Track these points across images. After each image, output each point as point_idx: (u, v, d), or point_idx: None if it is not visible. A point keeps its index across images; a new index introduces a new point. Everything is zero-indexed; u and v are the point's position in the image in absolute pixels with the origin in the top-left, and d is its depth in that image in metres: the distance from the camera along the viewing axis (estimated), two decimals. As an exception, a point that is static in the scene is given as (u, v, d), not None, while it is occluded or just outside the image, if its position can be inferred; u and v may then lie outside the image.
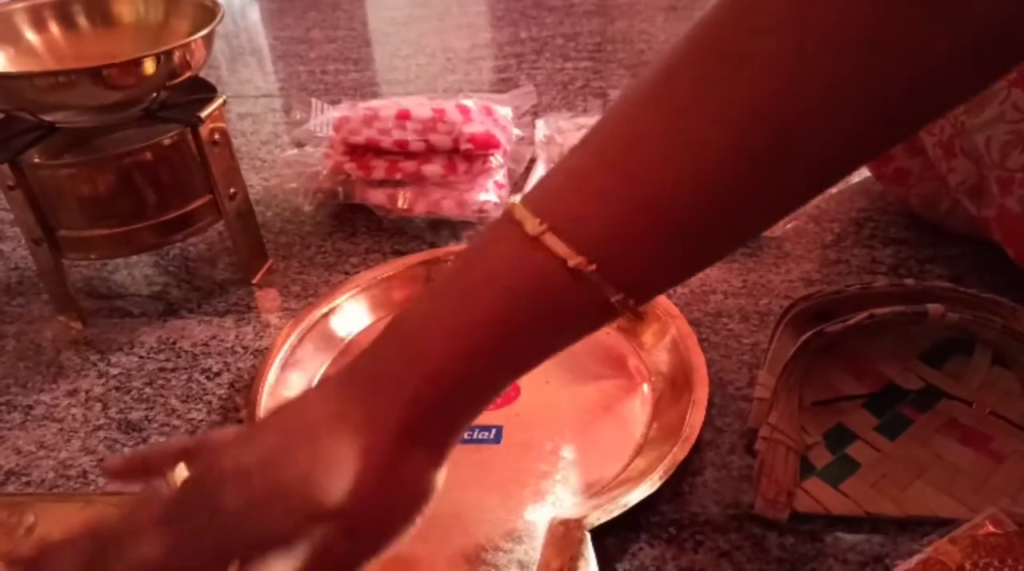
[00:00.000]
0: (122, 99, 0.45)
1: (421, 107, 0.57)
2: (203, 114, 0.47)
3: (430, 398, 0.26)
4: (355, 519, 0.25)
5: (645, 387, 0.43)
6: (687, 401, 0.40)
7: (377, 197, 0.58)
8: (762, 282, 0.51)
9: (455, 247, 0.53)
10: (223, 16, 0.47)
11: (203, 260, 0.57)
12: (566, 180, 0.26)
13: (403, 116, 0.57)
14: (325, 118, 0.60)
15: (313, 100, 0.65)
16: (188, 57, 0.45)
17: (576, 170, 0.26)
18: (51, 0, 0.50)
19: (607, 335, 0.45)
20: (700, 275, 0.52)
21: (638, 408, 0.41)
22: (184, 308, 0.52)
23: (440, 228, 0.58)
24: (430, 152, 0.57)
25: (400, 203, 0.57)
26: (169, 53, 0.44)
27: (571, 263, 0.25)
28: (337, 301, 0.48)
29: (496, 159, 0.59)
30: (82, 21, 0.51)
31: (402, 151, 0.57)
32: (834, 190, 0.58)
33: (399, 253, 0.56)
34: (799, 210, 0.47)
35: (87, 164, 0.46)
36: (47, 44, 0.50)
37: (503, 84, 0.82)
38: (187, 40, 0.44)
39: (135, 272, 0.56)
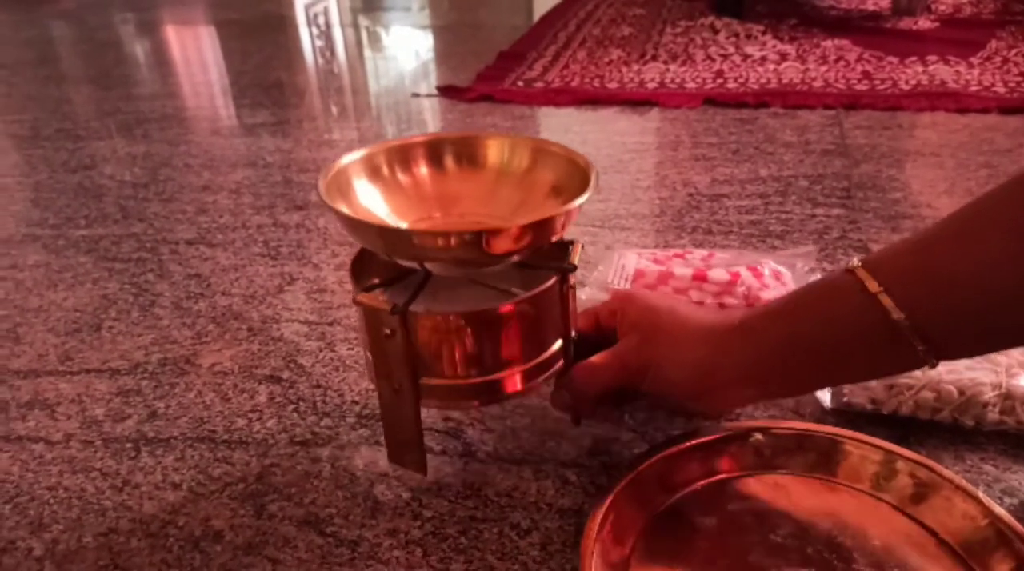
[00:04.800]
0: (500, 257, 0.43)
1: (717, 271, 0.58)
2: (575, 261, 0.47)
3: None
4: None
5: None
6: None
7: (664, 354, 0.58)
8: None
9: (759, 422, 0.52)
10: (598, 176, 0.45)
11: (491, 398, 0.59)
12: (898, 255, 0.40)
13: (700, 277, 0.58)
14: (620, 268, 0.62)
15: (615, 254, 0.67)
16: (568, 219, 0.44)
17: (904, 252, 0.40)
18: (421, 141, 0.51)
19: None
20: None
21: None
22: (481, 451, 0.54)
23: (725, 391, 0.58)
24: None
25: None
26: (567, 213, 0.43)
27: (894, 317, 0.38)
28: (642, 469, 0.48)
29: (785, 326, 0.59)
30: (448, 162, 0.51)
31: (694, 311, 0.58)
32: None
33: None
34: None
35: (475, 316, 0.44)
36: (412, 181, 0.51)
37: (753, 227, 0.82)
38: (579, 202, 0.43)
39: (429, 404, 0.58)
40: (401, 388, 0.46)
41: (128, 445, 0.56)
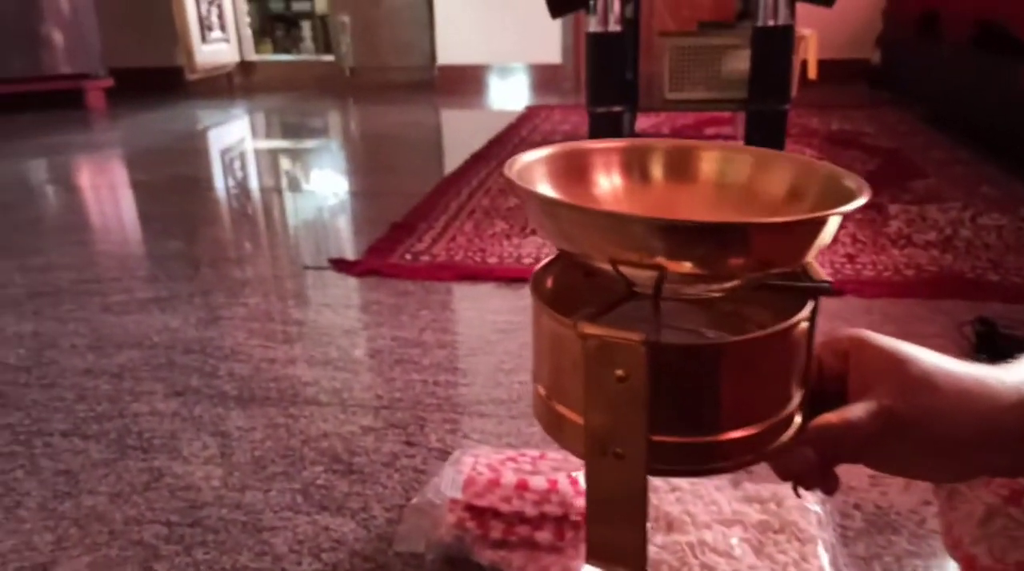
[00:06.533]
0: (758, 265, 0.34)
1: (537, 477, 0.66)
2: (824, 278, 0.39)
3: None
4: None
5: None
6: None
7: (492, 556, 0.65)
8: None
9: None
10: (868, 194, 0.36)
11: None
12: None
13: (522, 486, 0.65)
14: (452, 477, 0.69)
15: (456, 455, 0.74)
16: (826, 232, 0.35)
17: None
18: (618, 146, 0.44)
19: None
20: None
21: None
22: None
23: (546, 590, 0.64)
24: (542, 519, 0.65)
25: (513, 564, 0.64)
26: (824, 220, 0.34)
27: None
28: None
29: (599, 526, 0.66)
30: (655, 171, 0.44)
31: (518, 516, 0.65)
32: None
33: (508, 613, 0.62)
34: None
35: (749, 345, 0.35)
36: (613, 189, 0.43)
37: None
38: (858, 203, 0.35)
39: None
40: (628, 452, 0.34)
41: (-30, 668, 0.58)
